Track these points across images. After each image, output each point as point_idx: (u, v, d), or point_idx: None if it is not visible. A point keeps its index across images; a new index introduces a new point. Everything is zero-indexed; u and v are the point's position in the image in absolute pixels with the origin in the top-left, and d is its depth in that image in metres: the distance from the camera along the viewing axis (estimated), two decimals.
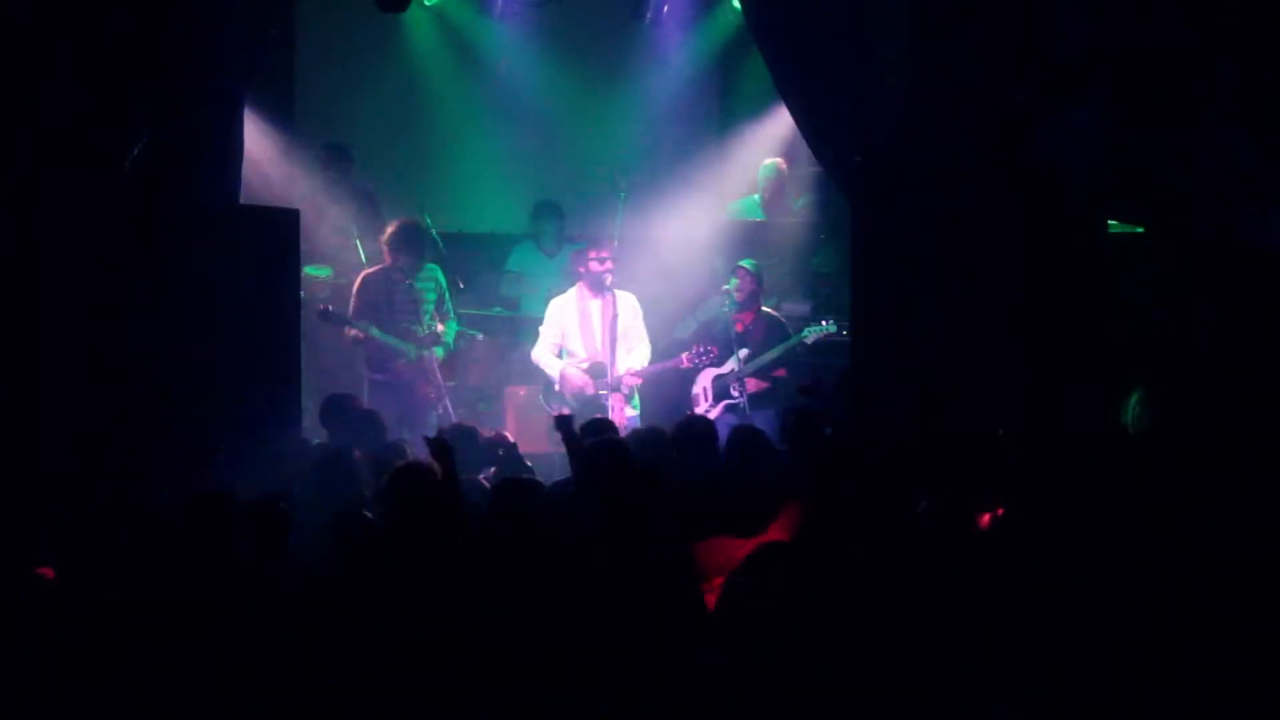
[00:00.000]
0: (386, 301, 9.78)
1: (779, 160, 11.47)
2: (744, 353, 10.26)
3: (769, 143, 11.56)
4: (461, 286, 10.90)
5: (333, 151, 10.83)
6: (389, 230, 9.91)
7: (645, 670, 5.17)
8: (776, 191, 11.44)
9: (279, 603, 5.29)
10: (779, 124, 11.17)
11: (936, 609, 5.52)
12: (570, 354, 10.12)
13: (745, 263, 10.42)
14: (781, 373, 10.36)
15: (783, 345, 10.31)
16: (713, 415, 10.13)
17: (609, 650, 5.22)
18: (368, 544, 5.81)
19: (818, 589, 5.60)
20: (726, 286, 10.44)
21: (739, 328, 10.34)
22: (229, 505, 5.72)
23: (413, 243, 9.82)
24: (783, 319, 10.52)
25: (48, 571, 5.37)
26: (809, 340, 10.26)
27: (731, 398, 10.25)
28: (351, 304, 9.84)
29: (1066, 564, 5.76)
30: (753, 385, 10.26)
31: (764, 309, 10.52)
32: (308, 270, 9.89)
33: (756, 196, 11.48)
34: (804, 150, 9.81)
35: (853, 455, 7.19)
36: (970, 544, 6.06)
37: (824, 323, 10.19)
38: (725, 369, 10.32)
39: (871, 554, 5.88)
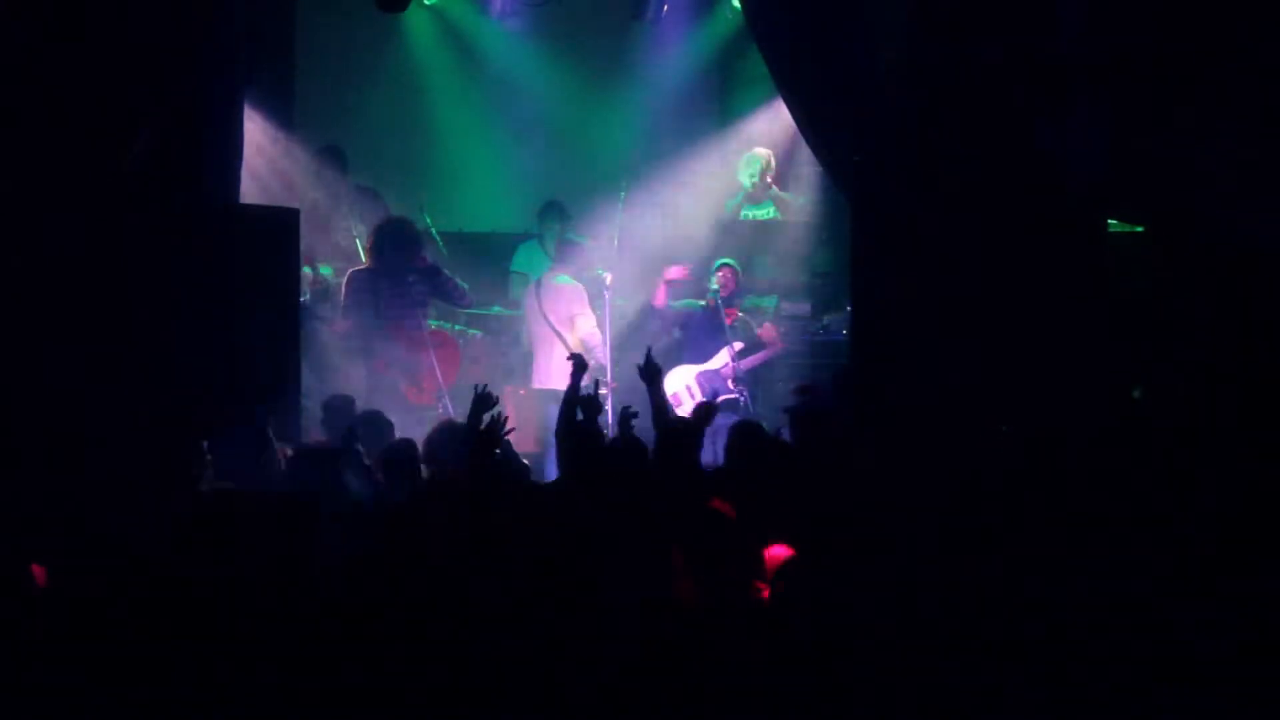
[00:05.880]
0: (372, 300, 9.77)
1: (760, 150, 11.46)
2: (739, 345, 10.29)
3: (768, 141, 11.55)
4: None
5: (326, 153, 10.84)
6: (370, 232, 9.95)
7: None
8: (765, 183, 11.45)
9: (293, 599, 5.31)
10: (778, 122, 11.17)
11: (940, 608, 5.53)
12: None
13: (727, 260, 10.47)
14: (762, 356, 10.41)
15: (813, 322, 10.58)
16: None
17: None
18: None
19: (823, 590, 5.62)
20: (714, 285, 10.49)
21: (729, 321, 10.41)
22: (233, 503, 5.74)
23: (394, 243, 9.80)
24: (749, 321, 10.59)
25: (38, 569, 5.37)
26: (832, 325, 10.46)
27: (730, 391, 10.25)
28: (341, 302, 9.89)
29: (1066, 561, 5.77)
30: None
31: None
32: (306, 270, 9.89)
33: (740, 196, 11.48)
34: (804, 149, 9.82)
35: (860, 453, 7.20)
36: (972, 542, 6.07)
37: (848, 309, 10.17)
38: (714, 365, 10.33)
39: (876, 553, 5.89)
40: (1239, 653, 5.20)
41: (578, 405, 7.15)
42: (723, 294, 10.43)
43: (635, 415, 7.17)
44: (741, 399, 10.23)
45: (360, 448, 7.37)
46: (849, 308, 9.82)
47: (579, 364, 7.46)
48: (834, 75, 8.26)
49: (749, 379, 10.32)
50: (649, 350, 7.60)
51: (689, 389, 10.35)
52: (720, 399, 10.28)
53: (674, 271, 10.65)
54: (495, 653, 5.17)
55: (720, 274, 10.50)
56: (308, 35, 10.98)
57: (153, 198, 7.53)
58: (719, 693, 5.12)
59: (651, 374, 7.35)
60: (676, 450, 6.54)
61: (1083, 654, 5.27)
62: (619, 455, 6.38)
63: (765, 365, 10.43)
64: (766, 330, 10.43)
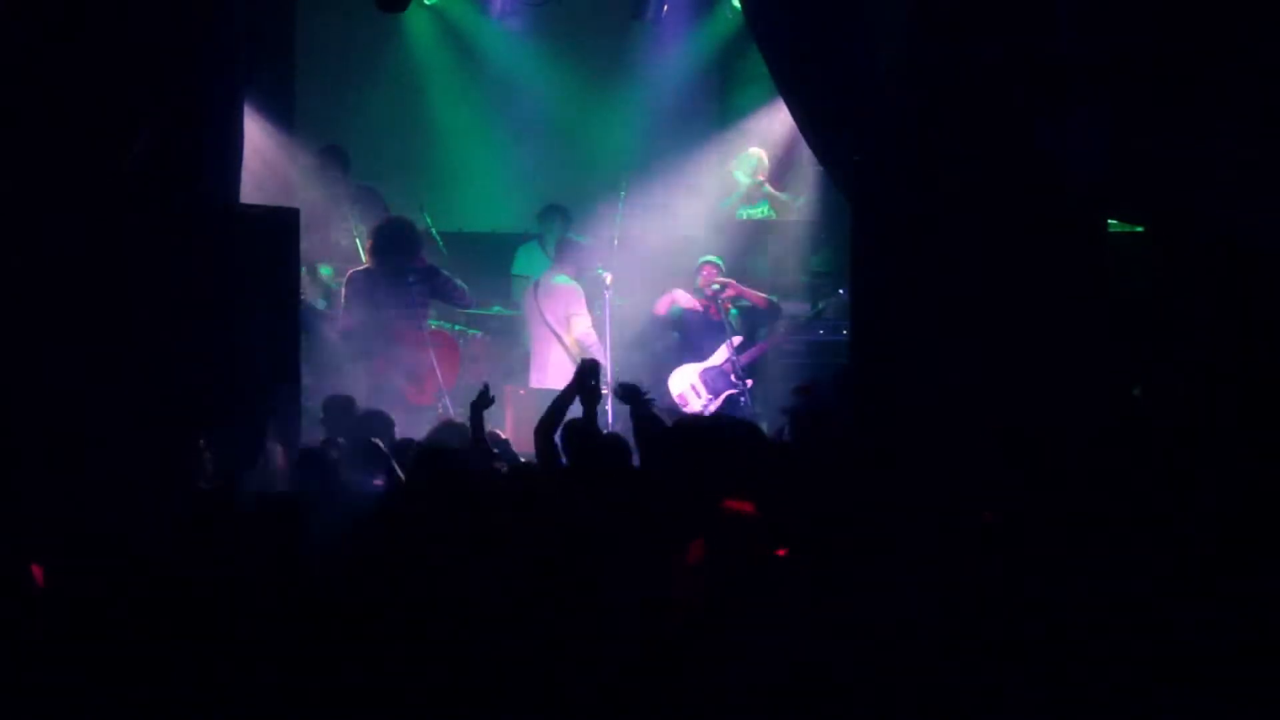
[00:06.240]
0: (371, 300, 9.79)
1: (755, 150, 11.49)
2: (737, 339, 10.33)
3: (769, 141, 11.57)
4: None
5: (327, 153, 10.85)
6: (370, 232, 9.98)
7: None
8: (760, 183, 11.48)
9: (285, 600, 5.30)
10: (779, 122, 11.19)
11: (942, 608, 5.53)
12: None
13: (708, 258, 10.62)
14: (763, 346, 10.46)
15: (809, 314, 10.61)
16: (710, 411, 10.14)
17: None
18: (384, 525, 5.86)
19: (825, 592, 5.62)
20: (714, 285, 10.52)
21: (717, 317, 10.47)
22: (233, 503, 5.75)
23: (394, 244, 9.81)
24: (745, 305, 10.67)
25: (38, 569, 5.37)
26: (827, 312, 10.47)
27: (733, 386, 10.30)
28: (341, 302, 9.92)
29: (1066, 561, 5.77)
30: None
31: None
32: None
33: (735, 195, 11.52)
34: (804, 149, 9.83)
35: (860, 453, 7.20)
36: (973, 543, 6.07)
37: (840, 291, 10.21)
38: (715, 361, 10.36)
39: (876, 553, 5.89)
40: (1239, 653, 5.20)
41: (567, 408, 7.04)
42: (707, 291, 10.49)
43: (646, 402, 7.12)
44: (743, 398, 10.25)
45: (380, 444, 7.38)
46: (840, 290, 9.91)
47: (586, 368, 7.16)
48: (834, 75, 8.26)
49: (749, 372, 10.36)
50: (619, 383, 7.51)
51: (694, 387, 10.39)
52: (723, 395, 10.32)
53: (683, 299, 10.69)
54: (495, 653, 5.17)
55: (704, 272, 10.55)
56: (308, 35, 10.99)
57: (153, 198, 7.52)
58: (719, 693, 5.12)
59: (628, 395, 7.29)
60: (679, 450, 6.53)
61: (1083, 654, 5.27)
62: (608, 451, 6.39)
63: (765, 361, 10.47)
64: (736, 289, 10.54)
